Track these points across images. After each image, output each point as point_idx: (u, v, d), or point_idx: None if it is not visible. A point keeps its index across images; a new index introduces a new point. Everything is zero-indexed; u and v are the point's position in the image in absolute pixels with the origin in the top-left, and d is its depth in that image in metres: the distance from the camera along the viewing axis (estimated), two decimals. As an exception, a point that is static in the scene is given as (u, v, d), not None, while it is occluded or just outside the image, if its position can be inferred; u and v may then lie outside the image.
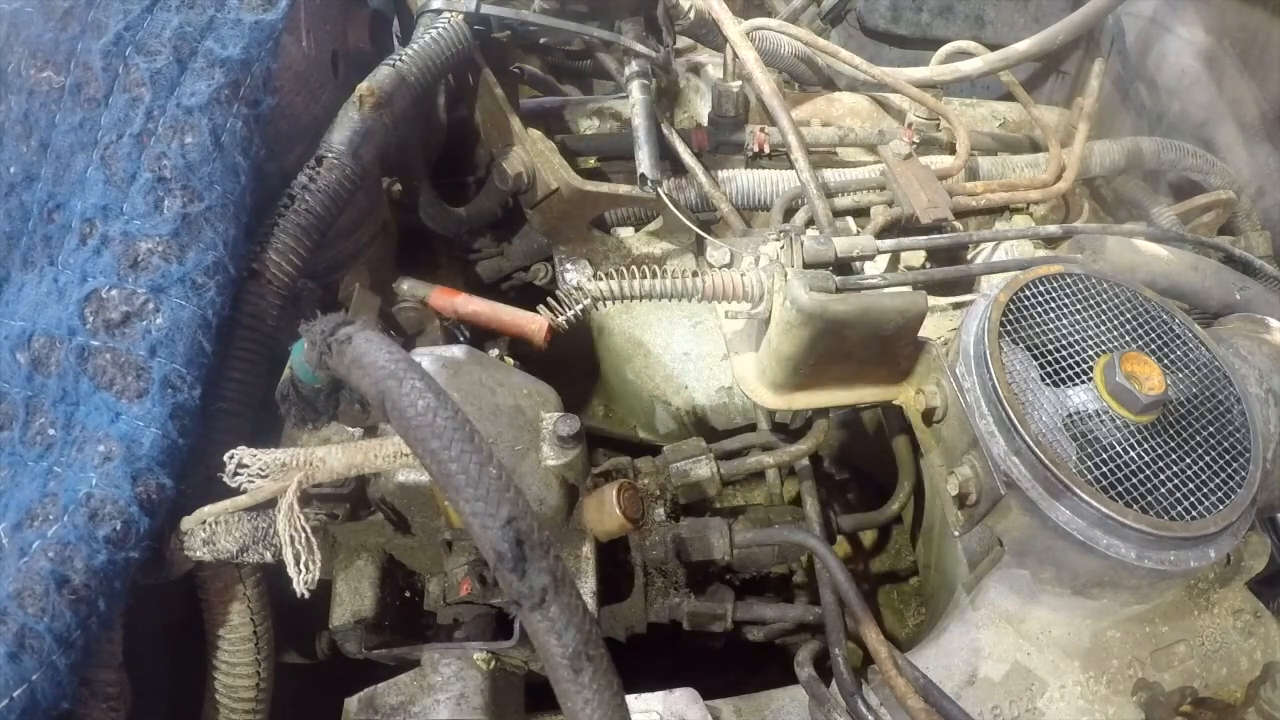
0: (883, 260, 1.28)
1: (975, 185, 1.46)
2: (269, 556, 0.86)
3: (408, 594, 1.03)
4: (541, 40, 1.46)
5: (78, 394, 0.82)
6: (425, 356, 0.97)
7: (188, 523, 0.84)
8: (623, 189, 1.44)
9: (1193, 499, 0.94)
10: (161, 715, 0.94)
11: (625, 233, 1.53)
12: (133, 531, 0.77)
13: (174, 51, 0.90)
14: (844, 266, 1.14)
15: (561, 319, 1.12)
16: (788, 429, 1.29)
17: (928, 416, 1.08)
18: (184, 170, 0.87)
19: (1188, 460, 0.97)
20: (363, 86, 1.10)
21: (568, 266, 1.44)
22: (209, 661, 0.93)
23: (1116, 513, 0.90)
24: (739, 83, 1.52)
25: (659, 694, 0.93)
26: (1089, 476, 0.93)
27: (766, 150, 1.54)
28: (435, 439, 0.63)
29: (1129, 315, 1.07)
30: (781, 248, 1.13)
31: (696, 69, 1.76)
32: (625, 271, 1.10)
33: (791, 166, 1.39)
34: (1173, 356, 1.05)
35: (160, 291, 0.83)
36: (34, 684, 0.71)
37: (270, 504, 0.81)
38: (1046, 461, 0.92)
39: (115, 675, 0.82)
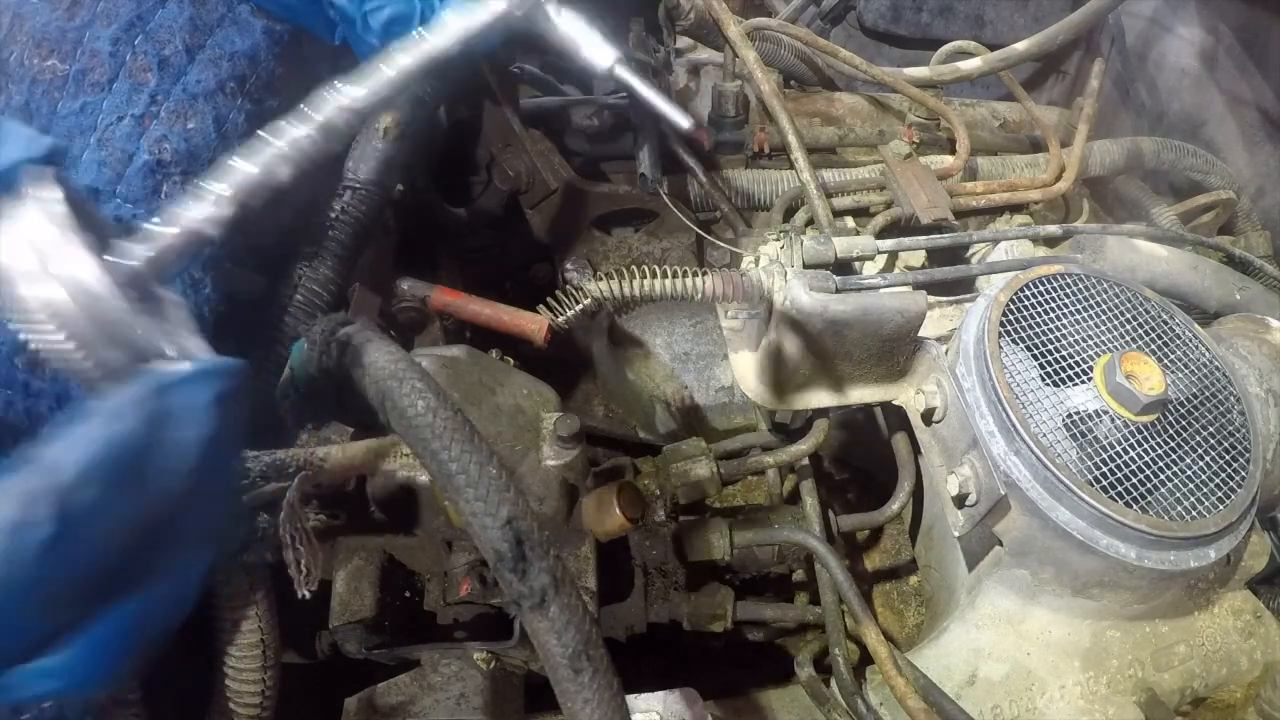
0: (882, 260, 1.28)
1: (975, 185, 1.45)
2: (269, 556, 0.85)
3: (408, 594, 1.02)
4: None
5: (69, 399, 0.78)
6: (425, 356, 0.97)
7: None
8: (623, 189, 1.44)
9: (1193, 499, 0.94)
10: (170, 717, 0.94)
11: (625, 233, 1.53)
12: None
13: (184, 41, 0.89)
14: (844, 266, 1.14)
15: (561, 319, 1.12)
16: (788, 429, 1.29)
17: (927, 416, 1.08)
18: (186, 156, 0.86)
19: (1188, 460, 0.97)
20: (387, 118, 1.12)
21: (568, 266, 1.44)
22: (217, 666, 0.93)
23: (1116, 513, 0.90)
24: (739, 83, 1.52)
25: (659, 694, 0.93)
26: (1089, 476, 0.93)
27: (766, 150, 1.55)
28: (435, 439, 0.63)
29: (1129, 315, 1.07)
30: (781, 248, 1.13)
31: (696, 69, 1.76)
32: (625, 271, 1.10)
33: (791, 166, 1.39)
34: (1173, 356, 1.05)
35: None
36: (64, 701, 0.72)
37: (271, 504, 0.81)
38: (1046, 461, 0.92)
39: (134, 683, 0.82)
